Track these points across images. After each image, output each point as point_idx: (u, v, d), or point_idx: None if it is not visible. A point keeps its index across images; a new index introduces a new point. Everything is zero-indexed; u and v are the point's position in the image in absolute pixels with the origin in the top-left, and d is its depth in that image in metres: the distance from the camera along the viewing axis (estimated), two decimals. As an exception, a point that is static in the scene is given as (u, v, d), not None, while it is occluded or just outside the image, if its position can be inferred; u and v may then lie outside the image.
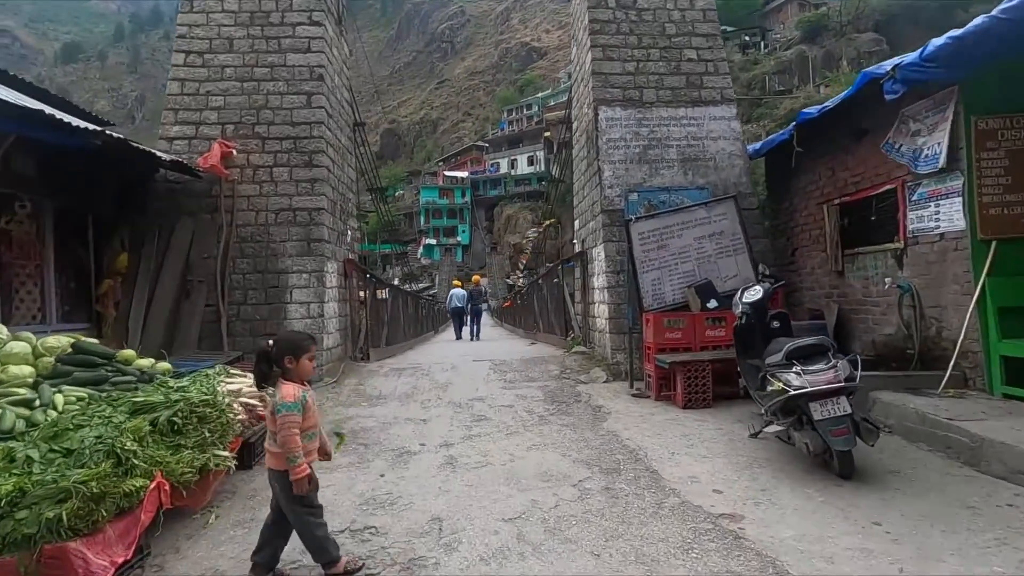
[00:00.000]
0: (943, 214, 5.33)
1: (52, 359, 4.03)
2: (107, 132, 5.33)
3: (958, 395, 4.90)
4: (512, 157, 65.51)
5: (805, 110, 6.96)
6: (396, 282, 25.72)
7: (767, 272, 5.37)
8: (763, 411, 4.46)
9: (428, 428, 5.44)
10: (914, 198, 5.70)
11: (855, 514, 3.29)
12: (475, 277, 24.93)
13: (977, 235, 4.99)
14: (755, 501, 3.53)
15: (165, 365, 4.61)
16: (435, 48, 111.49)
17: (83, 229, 6.90)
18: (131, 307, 6.94)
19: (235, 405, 4.11)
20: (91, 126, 5.12)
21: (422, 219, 65.28)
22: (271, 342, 2.73)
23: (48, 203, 6.27)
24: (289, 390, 2.59)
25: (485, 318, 21.69)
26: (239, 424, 4.07)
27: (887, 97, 5.25)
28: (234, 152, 7.50)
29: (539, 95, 70.06)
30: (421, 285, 52.26)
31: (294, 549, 2.80)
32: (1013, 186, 4.98)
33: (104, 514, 2.66)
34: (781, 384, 3.93)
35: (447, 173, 68.56)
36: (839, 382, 3.72)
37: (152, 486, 2.94)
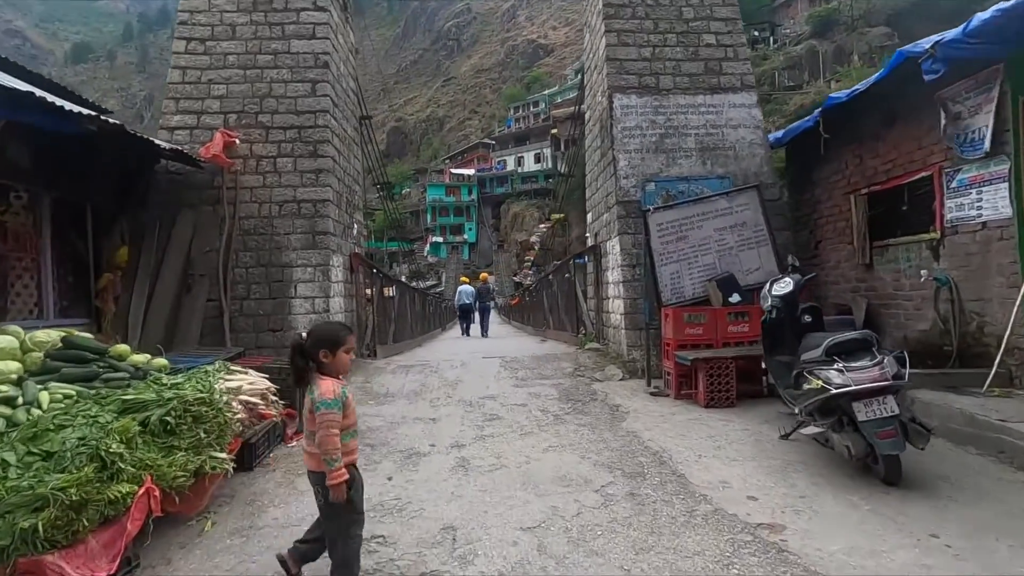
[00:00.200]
0: (986, 201, 5.00)
1: (41, 354, 3.80)
2: (103, 118, 5.09)
3: (1004, 394, 4.59)
4: (519, 154, 65.14)
5: (832, 94, 6.63)
6: (403, 279, 25.51)
7: (796, 264, 5.05)
8: (796, 411, 4.16)
9: (438, 428, 5.18)
10: (953, 185, 5.37)
11: (908, 525, 3.00)
12: (482, 275, 24.72)
13: (1025, 223, 4.66)
14: (795, 509, 3.25)
15: (162, 361, 4.37)
16: (441, 46, 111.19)
17: (81, 221, 6.68)
18: (131, 302, 6.73)
19: (234, 403, 3.87)
20: (85, 111, 4.89)
21: (429, 217, 65.10)
22: (304, 334, 2.51)
23: (45, 193, 6.05)
24: (328, 385, 2.37)
25: (492, 315, 21.46)
26: (238, 424, 3.82)
27: (926, 77, 4.92)
28: (237, 142, 7.27)
29: (546, 92, 69.59)
30: (428, 283, 52.08)
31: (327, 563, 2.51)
32: (1065, 170, 4.65)
33: (86, 524, 2.42)
34: (820, 382, 3.63)
35: (454, 171, 68.31)
36: (885, 380, 3.43)
37: (140, 492, 2.69)
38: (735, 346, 6.11)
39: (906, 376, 3.50)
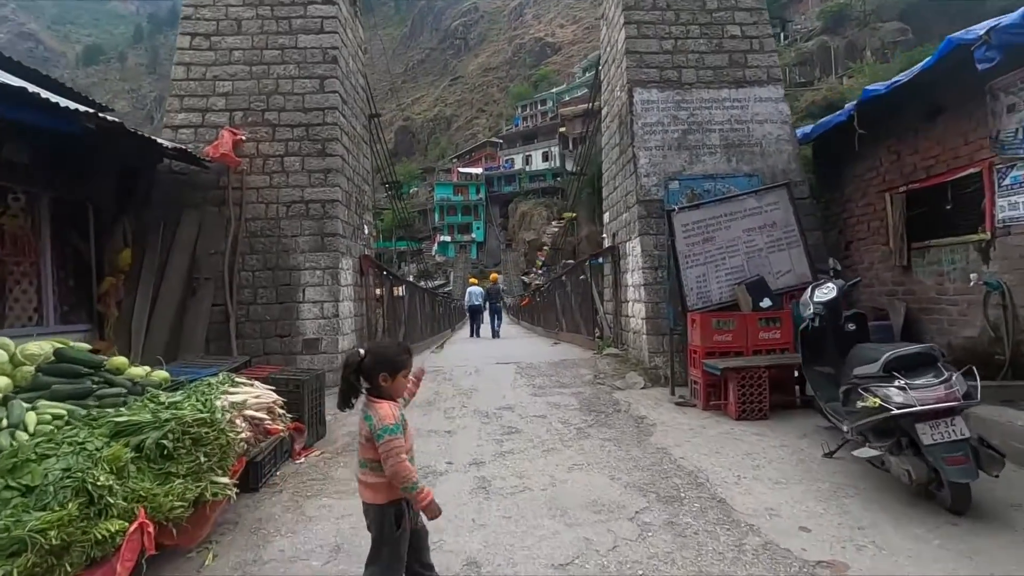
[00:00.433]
0: (1045, 200, 4.63)
1: (32, 368, 3.54)
2: (101, 115, 4.84)
3: (1069, 409, 4.22)
4: (527, 153, 64.72)
5: (868, 87, 6.25)
6: (411, 279, 25.29)
7: (838, 267, 4.71)
8: (845, 430, 3.83)
9: (454, 442, 4.89)
10: (1006, 183, 4.99)
11: (985, 564, 2.67)
12: (492, 275, 24.42)
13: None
14: (855, 543, 2.92)
15: (162, 374, 4.11)
16: (448, 45, 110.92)
17: (83, 223, 6.45)
18: (134, 307, 6.49)
19: (238, 421, 3.59)
20: (82, 108, 4.64)
21: (436, 216, 64.86)
22: (362, 351, 2.30)
23: (44, 194, 5.82)
24: (387, 410, 2.20)
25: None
26: (242, 443, 3.55)
27: (979, 66, 4.56)
28: (243, 140, 7.01)
29: (553, 90, 69.12)
30: (436, 282, 51.87)
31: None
32: None
33: (68, 569, 2.15)
34: (878, 400, 3.29)
35: (461, 170, 67.99)
36: (954, 399, 3.09)
37: (132, 529, 2.42)
38: (766, 354, 5.79)
39: (978, 395, 3.15)
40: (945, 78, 5.32)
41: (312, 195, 7.19)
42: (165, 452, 2.84)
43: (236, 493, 3.23)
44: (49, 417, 2.99)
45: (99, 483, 2.35)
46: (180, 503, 2.73)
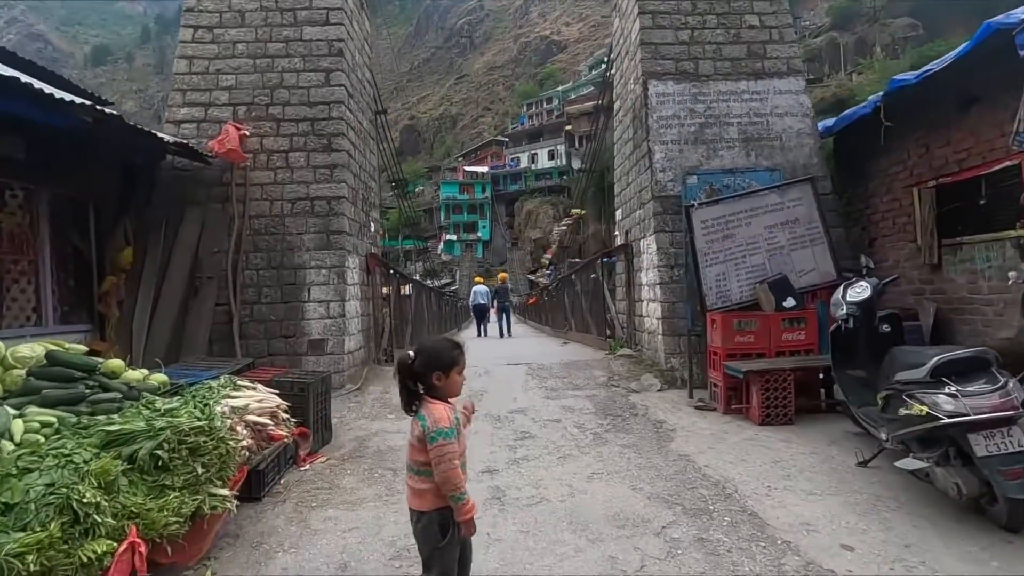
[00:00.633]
0: (1092, 193, 4.36)
1: (23, 372, 3.36)
2: (99, 108, 4.65)
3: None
4: (532, 151, 64.41)
5: (896, 77, 5.97)
6: (417, 278, 25.13)
7: (871, 265, 4.47)
8: (884, 438, 3.59)
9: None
10: (1048, 175, 4.73)
11: (1053, 590, 2.43)
12: (501, 275, 24.22)
13: None
14: (905, 565, 2.69)
15: (160, 377, 3.92)
16: (454, 44, 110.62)
17: (83, 220, 6.28)
18: (136, 306, 6.32)
19: (239, 428, 3.39)
20: (78, 99, 4.45)
21: (442, 215, 64.68)
22: (412, 353, 2.20)
23: (42, 191, 5.65)
24: (442, 412, 2.10)
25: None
26: (244, 451, 3.35)
27: (1022, 52, 4.29)
28: (247, 135, 6.82)
29: (559, 88, 68.73)
30: (442, 281, 51.72)
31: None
32: None
33: (49, 596, 1.95)
34: (925, 408, 3.05)
35: (467, 168, 67.77)
36: (1012, 408, 2.85)
37: (121, 549, 2.22)
38: (790, 355, 5.54)
39: (1038, 404, 2.91)
40: (981, 66, 5.06)
41: (317, 191, 7.00)
42: (160, 463, 2.64)
43: (237, 504, 3.04)
44: (37, 425, 2.80)
45: (85, 500, 2.16)
46: (176, 518, 2.53)
